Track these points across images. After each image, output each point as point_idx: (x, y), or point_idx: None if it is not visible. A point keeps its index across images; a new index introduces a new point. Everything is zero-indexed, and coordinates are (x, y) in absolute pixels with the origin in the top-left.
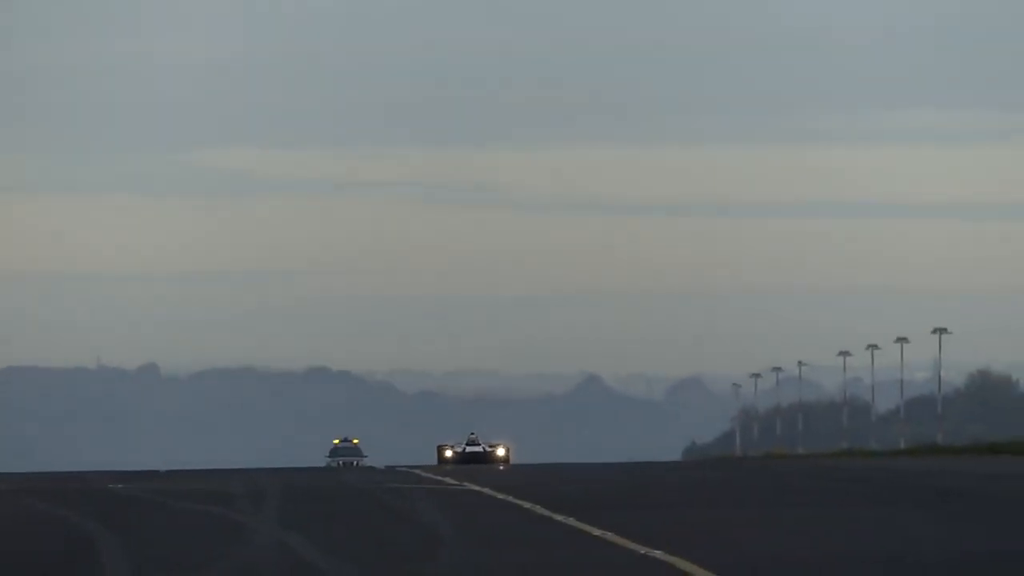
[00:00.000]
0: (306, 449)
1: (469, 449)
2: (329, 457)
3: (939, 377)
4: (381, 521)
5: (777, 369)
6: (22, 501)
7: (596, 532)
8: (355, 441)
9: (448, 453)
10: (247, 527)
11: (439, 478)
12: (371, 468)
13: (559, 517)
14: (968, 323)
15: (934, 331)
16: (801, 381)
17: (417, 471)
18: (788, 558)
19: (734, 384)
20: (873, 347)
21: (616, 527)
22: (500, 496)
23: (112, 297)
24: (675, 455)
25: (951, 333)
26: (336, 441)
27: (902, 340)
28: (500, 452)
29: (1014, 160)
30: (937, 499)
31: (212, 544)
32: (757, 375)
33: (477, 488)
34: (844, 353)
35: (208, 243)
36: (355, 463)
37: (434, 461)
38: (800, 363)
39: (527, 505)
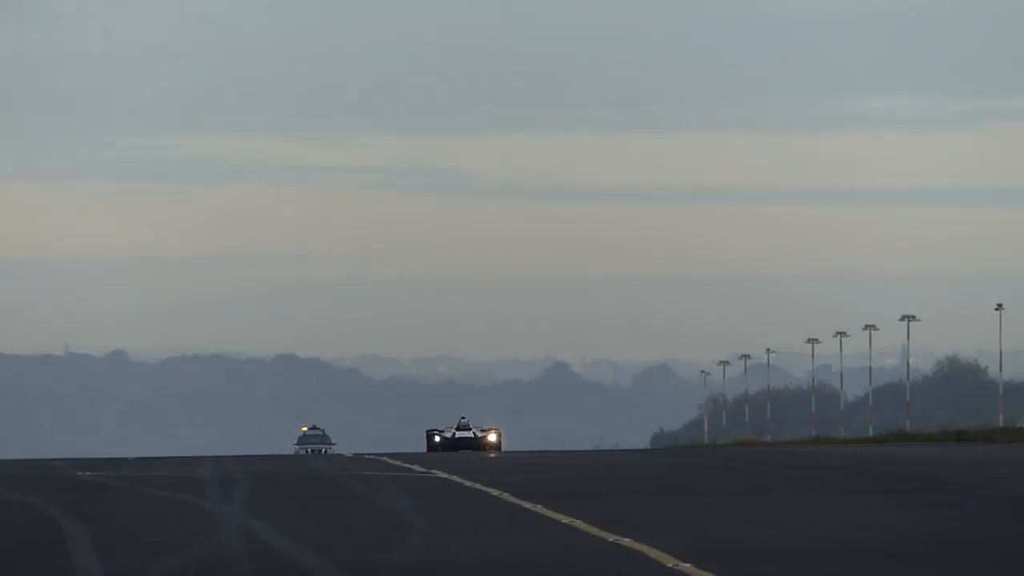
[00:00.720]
0: (274, 436)
1: (459, 434)
2: (297, 444)
3: (907, 364)
4: (349, 508)
5: (745, 356)
6: None
7: (565, 519)
8: (322, 430)
9: (437, 439)
10: (216, 514)
11: (407, 465)
12: (339, 455)
13: (527, 504)
14: (937, 310)
15: (902, 318)
16: (769, 368)
17: (385, 458)
18: (757, 545)
19: (702, 371)
20: (841, 334)
21: (585, 514)
22: (468, 483)
23: (80, 283)
24: (643, 442)
25: (919, 320)
26: (304, 428)
27: (870, 327)
28: (492, 438)
29: (982, 146)
30: (905, 486)
31: (181, 531)
32: (725, 362)
33: (445, 475)
34: (812, 340)
35: (177, 230)
36: (323, 450)
37: (422, 448)
38: (768, 350)
39: (495, 492)
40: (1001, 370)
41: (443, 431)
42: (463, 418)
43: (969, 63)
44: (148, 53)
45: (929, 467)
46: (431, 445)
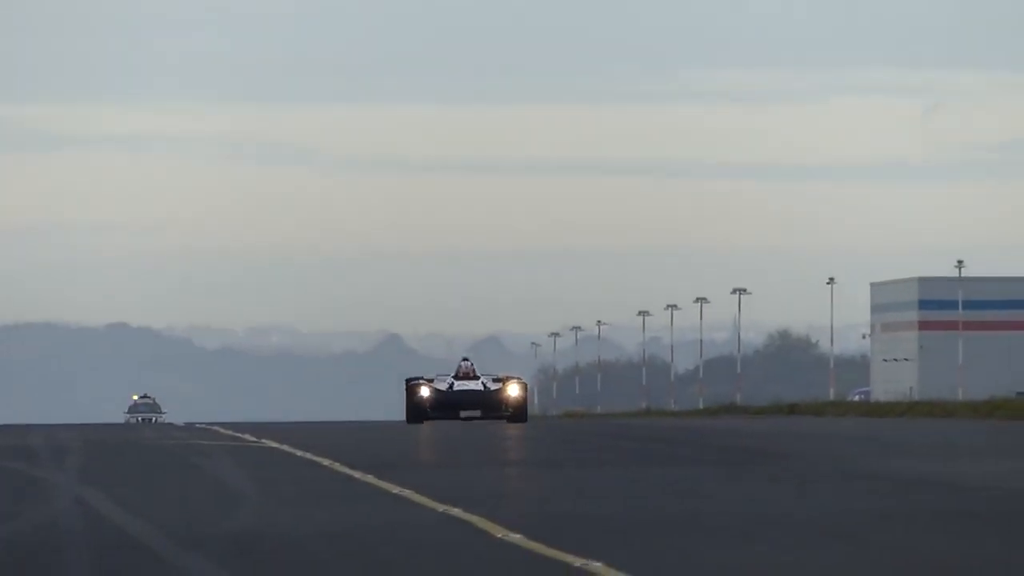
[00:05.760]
0: (105, 405)
1: (460, 386)
2: (128, 413)
3: (738, 337)
4: (179, 477)
5: (576, 328)
6: None
7: (395, 490)
8: (152, 399)
9: (424, 392)
10: (47, 482)
11: (238, 435)
12: (170, 424)
13: (358, 475)
14: (768, 284)
15: (733, 291)
16: (600, 340)
17: (216, 428)
18: (590, 516)
19: (532, 343)
20: (672, 307)
21: (415, 485)
22: (299, 453)
23: None
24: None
25: (750, 293)
26: (135, 397)
27: (701, 300)
28: (514, 391)
29: (819, 121)
30: (738, 458)
31: (11, 499)
32: (556, 334)
33: (275, 444)
34: (643, 313)
35: (5, 198)
36: (153, 419)
37: (400, 412)
38: (599, 322)
39: (326, 462)
40: (832, 344)
41: (433, 380)
42: (465, 360)
43: (810, 37)
44: None
45: (762, 440)
46: (414, 404)
